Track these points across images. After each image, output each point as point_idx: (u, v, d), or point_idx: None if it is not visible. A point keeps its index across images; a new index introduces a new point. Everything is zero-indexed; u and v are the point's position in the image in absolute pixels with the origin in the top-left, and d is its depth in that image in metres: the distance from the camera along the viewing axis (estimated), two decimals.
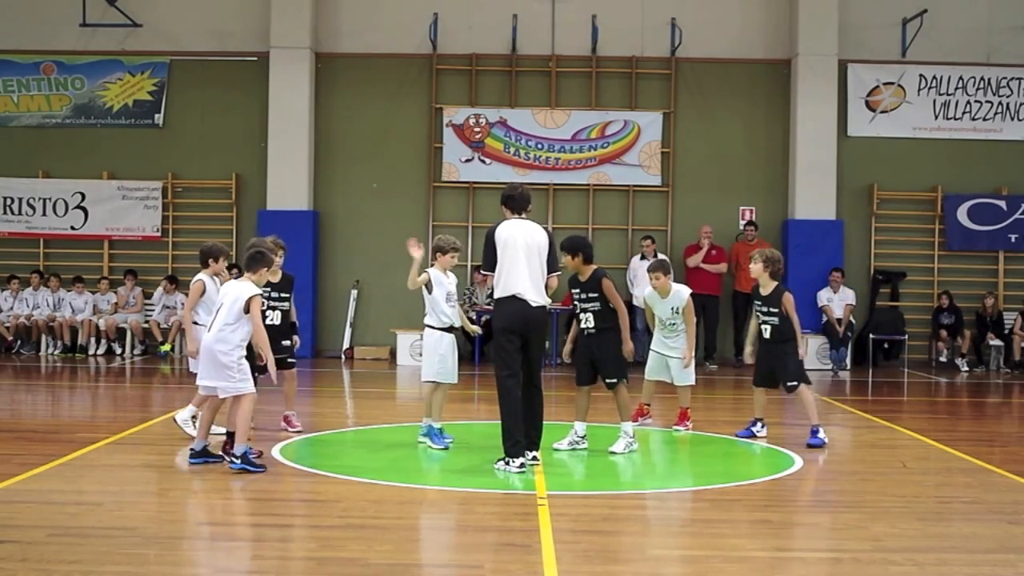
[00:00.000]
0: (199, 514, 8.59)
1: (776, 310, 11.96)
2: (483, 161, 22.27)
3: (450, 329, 11.49)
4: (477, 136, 22.26)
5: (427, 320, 11.55)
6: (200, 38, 22.60)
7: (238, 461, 9.60)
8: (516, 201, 10.41)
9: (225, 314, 9.78)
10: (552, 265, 10.38)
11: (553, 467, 10.46)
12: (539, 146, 22.13)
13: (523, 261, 10.09)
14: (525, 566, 7.00)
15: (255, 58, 22.35)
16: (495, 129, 22.26)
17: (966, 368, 21.42)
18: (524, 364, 10.15)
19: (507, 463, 9.95)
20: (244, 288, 9.86)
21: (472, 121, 22.27)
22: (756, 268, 12.21)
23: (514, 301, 10.08)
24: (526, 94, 22.57)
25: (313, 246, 21.89)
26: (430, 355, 11.47)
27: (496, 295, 10.28)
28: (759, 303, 12.15)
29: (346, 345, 22.11)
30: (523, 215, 10.40)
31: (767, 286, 12.15)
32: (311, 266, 21.81)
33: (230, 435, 9.95)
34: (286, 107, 21.90)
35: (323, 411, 14.67)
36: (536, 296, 10.11)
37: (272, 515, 8.52)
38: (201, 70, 22.66)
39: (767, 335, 12.07)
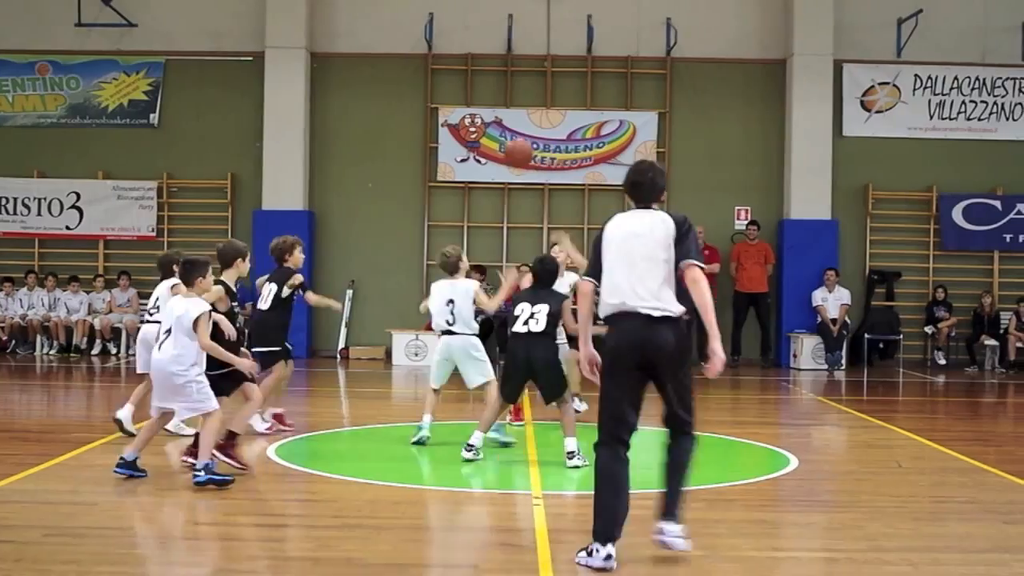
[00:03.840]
0: (194, 514, 8.58)
1: None
2: (478, 161, 22.27)
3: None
4: (472, 136, 22.25)
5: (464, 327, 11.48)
6: (195, 38, 22.58)
7: (202, 475, 9.06)
8: (641, 189, 7.43)
9: (175, 334, 9.16)
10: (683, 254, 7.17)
11: (548, 467, 10.44)
12: (534, 146, 22.11)
13: (624, 259, 7.20)
14: (520, 566, 7.00)
15: (250, 58, 22.34)
16: (490, 129, 22.26)
17: (943, 361, 21.68)
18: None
19: (589, 552, 7.02)
20: (191, 305, 9.20)
21: (467, 121, 22.26)
22: None
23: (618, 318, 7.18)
24: (521, 94, 22.57)
25: (308, 246, 21.80)
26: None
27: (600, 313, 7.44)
28: None
29: (341, 345, 22.10)
30: (651, 205, 7.43)
31: None
32: (306, 266, 21.76)
33: (231, 434, 9.76)
34: (281, 107, 21.89)
35: (319, 411, 14.68)
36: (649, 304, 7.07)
37: (267, 515, 8.51)
38: (196, 70, 22.64)
39: None
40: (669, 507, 7.28)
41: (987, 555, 7.45)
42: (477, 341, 11.47)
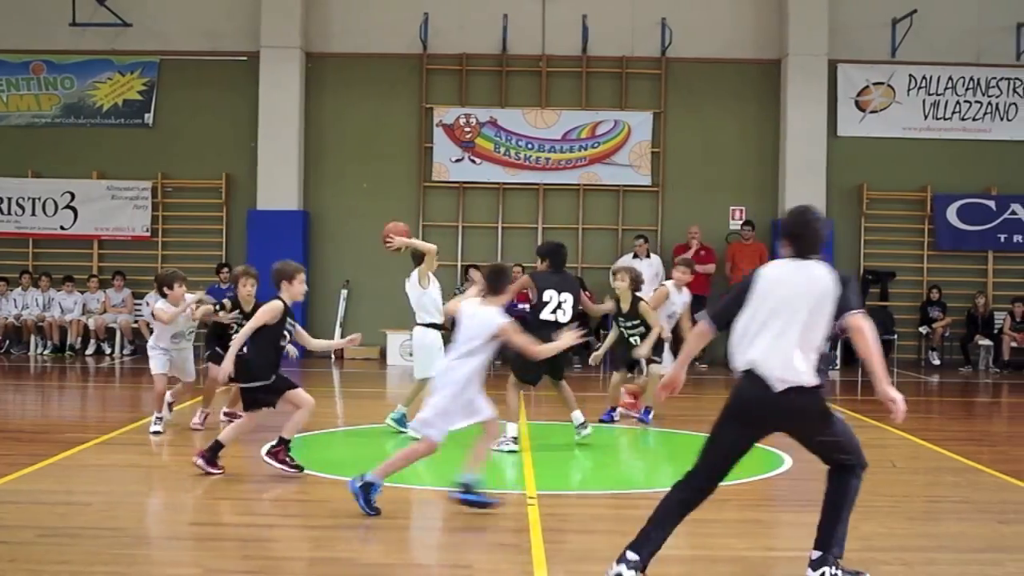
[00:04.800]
0: (188, 514, 8.58)
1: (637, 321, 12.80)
2: (473, 161, 22.27)
3: (440, 326, 11.62)
4: (467, 136, 22.26)
5: (422, 319, 11.72)
6: (190, 38, 22.57)
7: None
8: (803, 241, 6.77)
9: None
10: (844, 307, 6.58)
11: (543, 466, 10.45)
12: (529, 146, 22.14)
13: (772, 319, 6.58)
14: (514, 566, 7.01)
15: (245, 58, 22.33)
16: (485, 129, 22.26)
17: (937, 361, 21.72)
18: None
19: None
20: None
21: (462, 121, 22.27)
22: (621, 285, 12.87)
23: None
24: (516, 94, 22.57)
25: (303, 246, 21.85)
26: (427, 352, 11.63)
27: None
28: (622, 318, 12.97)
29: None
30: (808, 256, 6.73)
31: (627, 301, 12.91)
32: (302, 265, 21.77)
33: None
34: (276, 107, 21.88)
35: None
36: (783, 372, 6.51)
37: (261, 515, 8.51)
38: (191, 70, 22.63)
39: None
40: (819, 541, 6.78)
41: (981, 555, 7.47)
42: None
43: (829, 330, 6.52)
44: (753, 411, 6.62)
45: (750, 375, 6.55)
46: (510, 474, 10.22)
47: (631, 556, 6.49)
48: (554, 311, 11.39)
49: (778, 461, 10.93)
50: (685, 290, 13.63)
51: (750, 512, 8.78)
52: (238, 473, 9.65)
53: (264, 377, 9.62)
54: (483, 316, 8.25)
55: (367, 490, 8.16)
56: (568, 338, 8.79)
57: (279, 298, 9.77)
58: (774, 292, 6.56)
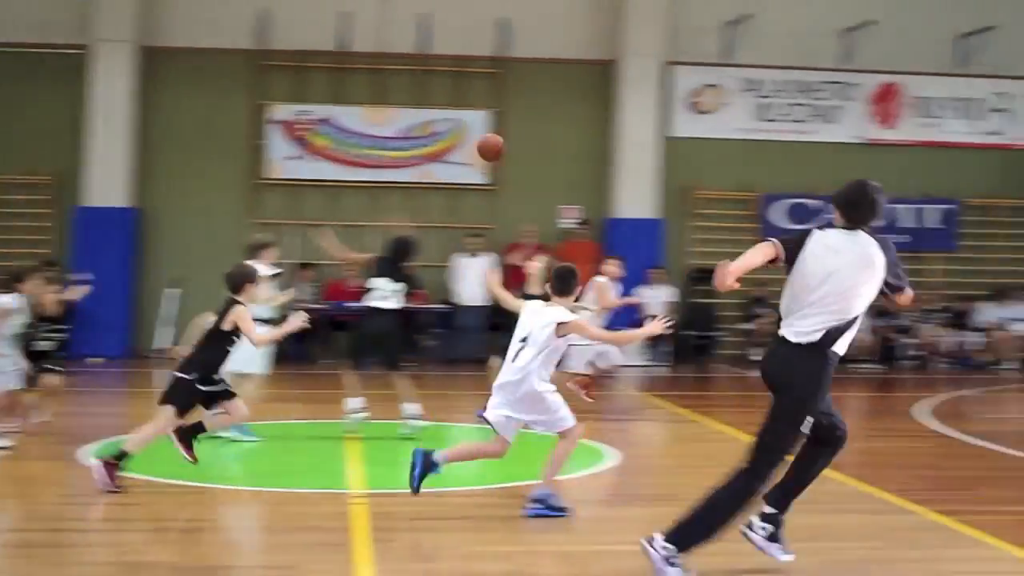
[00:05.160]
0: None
1: None
2: (309, 159, 22.10)
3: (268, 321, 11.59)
4: (303, 134, 22.09)
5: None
6: (17, 28, 21.90)
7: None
8: (858, 209, 6.95)
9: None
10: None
11: (372, 465, 10.47)
12: (365, 144, 22.07)
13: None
14: (338, 566, 7.03)
15: (76, 50, 21.76)
16: (321, 127, 22.11)
17: (759, 357, 22.24)
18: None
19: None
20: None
21: (298, 118, 22.09)
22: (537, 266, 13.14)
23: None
24: (354, 92, 22.44)
25: (132, 243, 21.43)
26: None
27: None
28: None
29: (160, 344, 21.51)
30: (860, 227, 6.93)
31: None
32: (129, 264, 21.41)
33: None
34: (107, 101, 21.36)
35: (136, 411, 14.38)
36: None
37: (77, 520, 8.37)
38: (18, 62, 21.98)
39: None
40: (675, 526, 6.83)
41: (801, 544, 7.69)
42: None
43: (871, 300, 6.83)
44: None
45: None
46: (333, 471, 10.21)
47: (767, 510, 7.13)
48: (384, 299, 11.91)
49: (604, 456, 11.13)
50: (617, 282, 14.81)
51: (576, 508, 8.90)
52: (54, 480, 9.46)
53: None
54: (548, 314, 8.58)
55: (428, 466, 8.30)
56: (654, 327, 9.19)
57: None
58: (825, 260, 6.81)
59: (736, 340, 22.89)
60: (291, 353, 19.30)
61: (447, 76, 22.63)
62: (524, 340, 8.51)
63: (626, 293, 21.36)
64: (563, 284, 8.81)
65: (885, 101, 23.58)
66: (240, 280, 9.72)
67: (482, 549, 7.56)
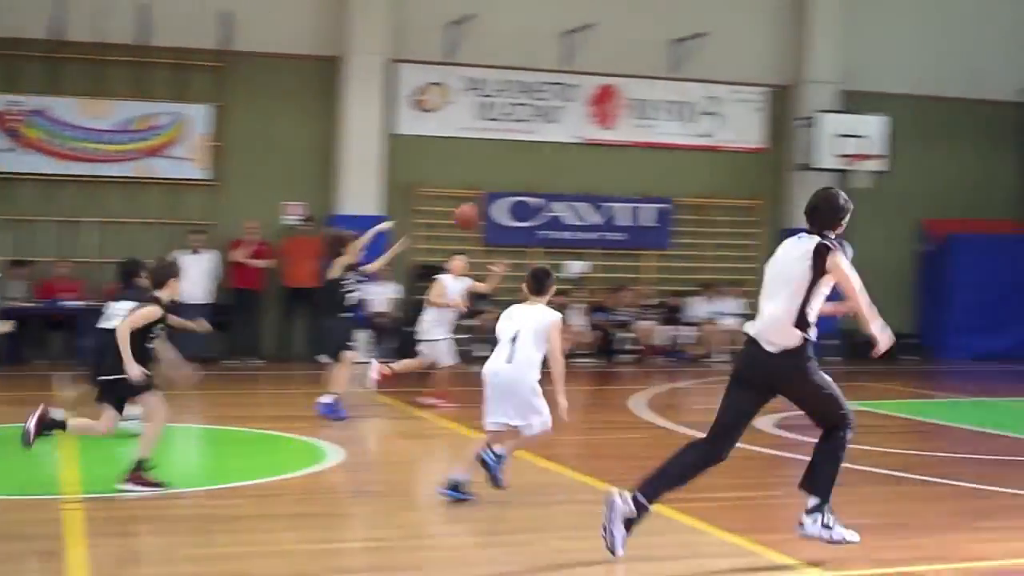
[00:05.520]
0: None
1: None
2: (21, 151, 21.23)
3: None
4: (15, 125, 21.22)
5: None
6: None
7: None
8: (828, 213, 7.50)
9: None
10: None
11: (88, 468, 10.23)
12: (81, 136, 21.40)
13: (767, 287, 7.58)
14: (50, 573, 6.88)
15: None
16: (34, 118, 21.28)
17: (485, 353, 22.72)
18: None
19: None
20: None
21: (9, 109, 21.22)
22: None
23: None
24: (69, 82, 21.67)
25: None
26: None
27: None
28: None
29: None
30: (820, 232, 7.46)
31: None
32: None
33: None
34: None
35: None
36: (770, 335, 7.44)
37: None
38: None
39: None
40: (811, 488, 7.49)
41: (518, 536, 7.92)
42: None
43: (820, 294, 7.33)
44: (745, 372, 7.52)
45: (750, 340, 7.46)
46: (44, 475, 9.95)
47: (641, 499, 7.35)
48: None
49: (328, 455, 11.20)
50: (464, 278, 15.50)
51: (302, 506, 8.99)
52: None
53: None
54: (542, 314, 9.26)
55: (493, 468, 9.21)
56: None
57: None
58: (773, 264, 7.54)
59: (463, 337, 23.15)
60: (3, 353, 18.67)
61: (168, 68, 22.13)
62: (514, 340, 9.17)
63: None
64: (539, 284, 9.43)
65: (603, 102, 24.37)
66: None
67: (202, 551, 7.51)
